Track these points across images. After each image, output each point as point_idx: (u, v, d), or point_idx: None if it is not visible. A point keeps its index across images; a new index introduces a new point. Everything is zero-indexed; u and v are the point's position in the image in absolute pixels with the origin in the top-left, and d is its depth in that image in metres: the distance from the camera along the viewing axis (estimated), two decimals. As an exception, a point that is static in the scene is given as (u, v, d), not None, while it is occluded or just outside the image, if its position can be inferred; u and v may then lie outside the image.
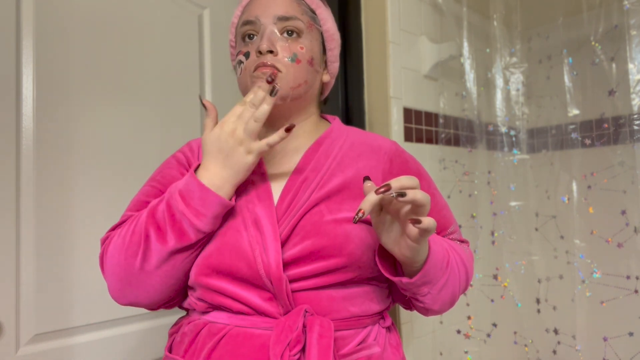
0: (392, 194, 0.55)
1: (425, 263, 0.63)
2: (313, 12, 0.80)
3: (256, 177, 0.73)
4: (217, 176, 0.67)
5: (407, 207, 0.57)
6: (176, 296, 0.74)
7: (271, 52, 0.72)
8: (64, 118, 1.01)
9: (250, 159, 0.68)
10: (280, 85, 0.71)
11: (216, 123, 0.71)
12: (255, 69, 0.72)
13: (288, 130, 0.68)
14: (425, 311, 0.73)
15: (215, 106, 0.72)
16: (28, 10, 0.97)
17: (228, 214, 0.70)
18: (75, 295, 1.00)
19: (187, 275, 0.72)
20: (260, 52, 0.72)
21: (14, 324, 0.92)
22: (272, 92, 0.69)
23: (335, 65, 0.84)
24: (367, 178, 0.59)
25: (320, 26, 0.80)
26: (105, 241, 0.72)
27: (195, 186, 0.66)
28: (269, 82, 0.69)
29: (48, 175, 0.98)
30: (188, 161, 0.79)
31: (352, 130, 0.83)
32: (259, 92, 0.69)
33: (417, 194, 0.56)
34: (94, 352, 1.02)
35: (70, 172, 1.02)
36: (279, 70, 0.72)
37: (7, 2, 0.94)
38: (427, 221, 0.56)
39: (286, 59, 0.73)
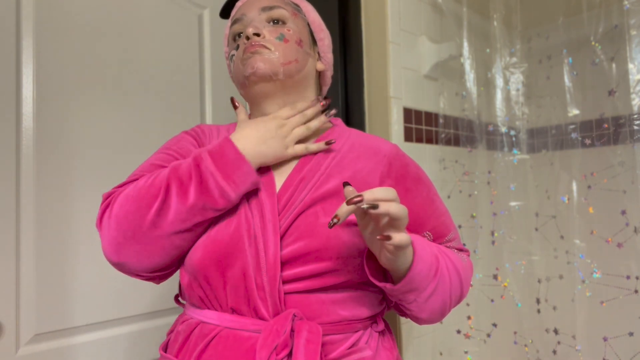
0: (363, 205, 0.54)
1: (409, 270, 0.62)
2: (296, 5, 0.83)
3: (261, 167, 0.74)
4: (254, 151, 0.68)
5: (385, 219, 0.56)
6: (167, 268, 0.72)
7: (258, 35, 0.74)
8: (64, 118, 1.01)
9: (287, 153, 0.72)
10: (269, 63, 0.73)
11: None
12: (244, 53, 0.74)
13: (328, 143, 0.75)
14: (415, 319, 0.72)
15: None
16: (28, 10, 0.97)
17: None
18: (75, 295, 1.00)
19: (186, 251, 0.70)
20: (247, 38, 0.74)
21: (14, 324, 0.92)
22: (325, 111, 0.77)
23: (329, 56, 0.85)
24: (346, 183, 0.59)
25: (304, 16, 0.83)
26: (110, 196, 0.69)
27: (230, 151, 0.66)
28: (324, 106, 0.77)
29: (48, 175, 0.98)
30: (199, 141, 0.79)
31: (354, 132, 0.83)
32: (312, 108, 0.77)
33: (391, 207, 0.54)
34: (94, 352, 1.02)
35: (71, 171, 1.02)
36: (267, 48, 0.73)
37: (7, 2, 0.94)
38: (399, 238, 0.56)
39: (273, 38, 0.75)
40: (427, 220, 0.76)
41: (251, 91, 0.76)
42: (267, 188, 0.70)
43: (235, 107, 0.78)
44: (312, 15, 0.84)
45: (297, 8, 0.82)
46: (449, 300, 0.69)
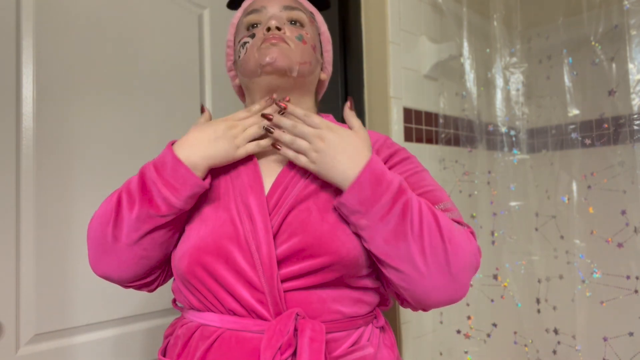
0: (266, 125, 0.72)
1: (350, 185, 0.64)
2: (312, 13, 0.84)
3: (247, 167, 0.74)
4: (198, 153, 0.68)
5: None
6: (147, 276, 0.75)
7: (279, 29, 0.74)
8: (64, 118, 1.01)
9: (238, 154, 0.71)
10: (287, 58, 0.73)
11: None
12: (263, 42, 0.74)
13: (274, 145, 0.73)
14: (389, 276, 0.67)
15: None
16: (28, 10, 0.97)
17: (220, 201, 0.71)
18: (75, 295, 1.00)
19: (159, 260, 0.73)
20: (268, 29, 0.74)
21: (14, 324, 0.92)
22: (279, 111, 0.74)
23: (330, 68, 0.87)
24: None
25: (317, 26, 0.84)
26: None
27: (169, 157, 0.67)
28: (278, 104, 0.74)
29: (48, 175, 0.98)
30: None
31: (346, 127, 0.83)
32: (268, 108, 0.75)
33: (282, 136, 0.70)
34: (94, 352, 1.02)
35: (70, 171, 1.02)
36: (287, 44, 0.73)
37: (7, 2, 0.94)
38: (277, 133, 0.71)
39: (293, 37, 0.75)
40: (413, 190, 0.72)
41: (261, 81, 0.75)
42: (254, 190, 0.70)
43: (202, 112, 0.78)
44: (324, 27, 0.86)
45: (312, 16, 0.83)
46: (418, 249, 0.62)
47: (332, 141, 0.67)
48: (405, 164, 0.77)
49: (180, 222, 0.71)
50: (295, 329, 0.64)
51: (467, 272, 0.65)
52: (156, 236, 0.69)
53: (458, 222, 0.71)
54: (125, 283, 0.74)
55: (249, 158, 0.75)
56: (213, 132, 0.70)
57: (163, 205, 0.66)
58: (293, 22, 0.78)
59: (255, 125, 0.73)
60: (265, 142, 0.73)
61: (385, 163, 0.76)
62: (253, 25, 0.78)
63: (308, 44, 0.76)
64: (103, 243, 0.69)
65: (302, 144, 0.68)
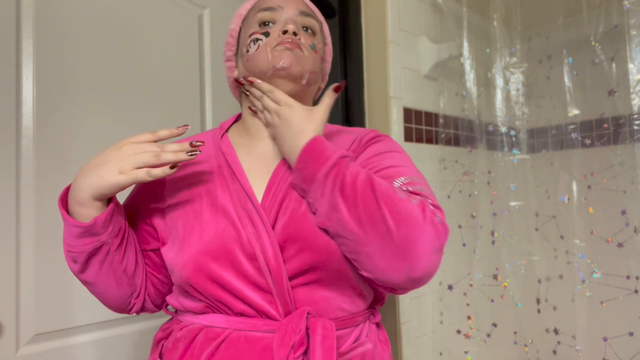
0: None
1: (294, 165, 0.67)
2: (321, 22, 0.84)
3: (228, 172, 0.73)
4: (78, 186, 0.64)
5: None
6: (127, 301, 0.76)
7: (295, 35, 0.74)
8: (64, 118, 1.01)
9: (119, 179, 0.63)
10: (300, 65, 0.72)
11: (157, 140, 0.67)
12: (277, 45, 0.73)
13: (173, 167, 0.64)
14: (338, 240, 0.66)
15: (181, 129, 0.68)
16: (28, 10, 0.97)
17: (218, 205, 0.70)
18: (75, 295, 1.00)
19: (130, 276, 0.73)
20: (285, 32, 0.74)
21: (14, 324, 0.92)
22: (189, 152, 0.65)
23: (326, 78, 0.88)
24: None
25: (324, 35, 0.84)
26: None
27: (62, 193, 0.68)
28: (193, 146, 0.66)
29: (48, 175, 0.98)
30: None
31: (339, 127, 0.84)
32: (176, 148, 0.65)
33: (255, 102, 0.74)
34: (94, 352, 1.02)
35: (70, 172, 1.02)
36: (301, 50, 0.73)
37: (7, 2, 0.94)
38: (251, 98, 0.76)
39: (308, 45, 0.75)
40: (374, 167, 0.71)
41: (270, 83, 0.74)
42: (250, 196, 0.69)
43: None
44: (329, 38, 0.86)
45: (321, 26, 0.83)
46: (353, 217, 0.61)
47: (285, 118, 0.70)
48: (374, 148, 0.75)
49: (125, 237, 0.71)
50: (307, 328, 0.64)
51: (416, 239, 0.59)
52: (92, 269, 0.69)
53: (416, 194, 0.66)
54: (122, 310, 0.77)
55: (232, 163, 0.74)
56: (102, 156, 0.64)
57: (66, 243, 0.68)
58: (306, 28, 0.78)
59: (149, 153, 0.63)
60: (159, 172, 0.63)
61: (363, 151, 0.76)
62: (266, 23, 0.77)
63: (318, 54, 0.77)
64: (77, 278, 0.73)
65: (267, 116, 0.73)
